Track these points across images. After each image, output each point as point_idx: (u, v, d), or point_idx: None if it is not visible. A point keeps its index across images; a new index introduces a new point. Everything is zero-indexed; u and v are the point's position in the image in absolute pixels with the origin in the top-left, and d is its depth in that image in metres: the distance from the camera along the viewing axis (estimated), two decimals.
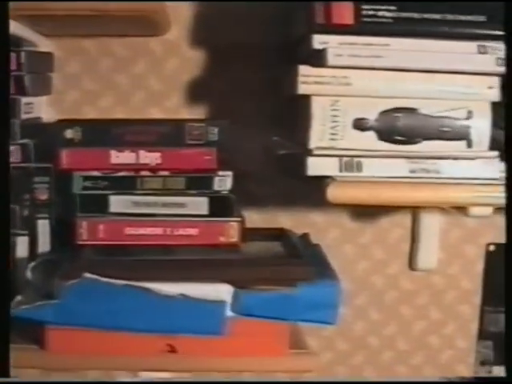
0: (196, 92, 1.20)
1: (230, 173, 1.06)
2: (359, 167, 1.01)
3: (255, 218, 1.21)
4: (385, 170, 1.00)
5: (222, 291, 0.98)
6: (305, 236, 1.21)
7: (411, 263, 1.27)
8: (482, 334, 1.29)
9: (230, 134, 1.08)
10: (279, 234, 1.16)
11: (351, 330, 1.27)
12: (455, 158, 1.01)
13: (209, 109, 1.20)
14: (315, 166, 0.99)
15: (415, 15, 1.00)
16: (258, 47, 1.17)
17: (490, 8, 1.01)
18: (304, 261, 1.01)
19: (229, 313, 0.98)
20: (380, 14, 1.00)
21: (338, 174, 0.99)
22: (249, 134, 1.16)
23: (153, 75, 1.20)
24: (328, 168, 0.99)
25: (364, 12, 0.99)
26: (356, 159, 1.00)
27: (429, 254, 1.26)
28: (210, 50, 1.19)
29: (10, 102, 0.93)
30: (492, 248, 1.26)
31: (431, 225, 1.26)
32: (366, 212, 1.24)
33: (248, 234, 1.11)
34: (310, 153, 0.99)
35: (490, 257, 1.26)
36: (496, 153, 1.02)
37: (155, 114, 1.19)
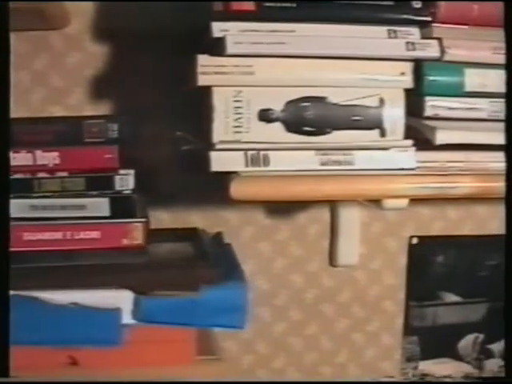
0: (100, 87, 1.13)
1: (131, 171, 1.00)
2: (266, 161, 0.95)
3: (167, 218, 1.15)
4: (294, 163, 0.95)
5: (121, 298, 0.92)
6: (217, 235, 1.15)
7: (331, 259, 1.22)
8: (408, 330, 1.24)
9: (136, 130, 1.03)
10: (191, 235, 1.10)
11: (271, 331, 1.22)
12: (368, 149, 0.97)
13: (114, 104, 1.13)
14: (219, 162, 0.93)
15: None
16: (165, 38, 1.10)
17: None
18: (209, 263, 0.96)
19: (130, 320, 0.93)
20: None
21: (243, 168, 0.93)
22: (156, 129, 1.11)
23: (54, 71, 1.12)
24: (233, 163, 0.93)
25: None
26: (263, 153, 0.94)
27: (349, 250, 1.22)
28: (114, 42, 1.12)
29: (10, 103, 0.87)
30: (415, 241, 1.22)
31: (351, 219, 1.21)
32: (281, 208, 1.19)
33: (159, 234, 1.06)
34: (213, 147, 0.94)
35: (412, 250, 1.22)
36: (410, 142, 0.98)
37: (57, 111, 1.12)
